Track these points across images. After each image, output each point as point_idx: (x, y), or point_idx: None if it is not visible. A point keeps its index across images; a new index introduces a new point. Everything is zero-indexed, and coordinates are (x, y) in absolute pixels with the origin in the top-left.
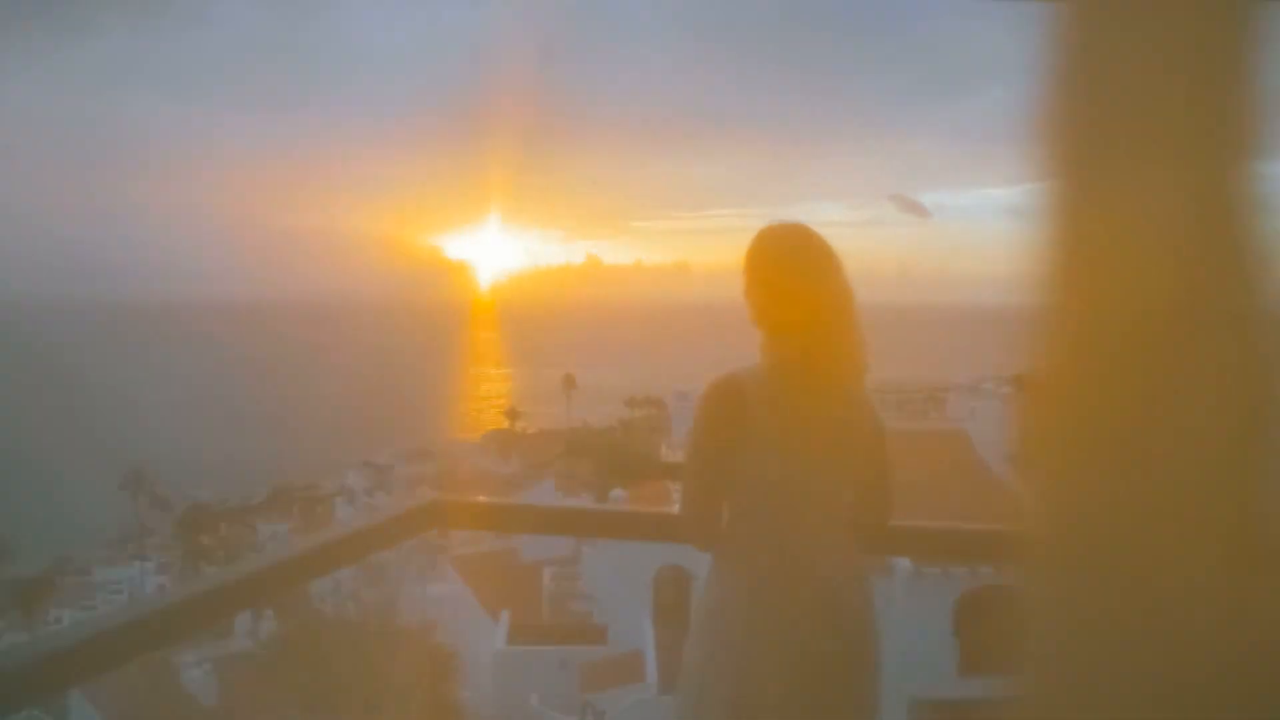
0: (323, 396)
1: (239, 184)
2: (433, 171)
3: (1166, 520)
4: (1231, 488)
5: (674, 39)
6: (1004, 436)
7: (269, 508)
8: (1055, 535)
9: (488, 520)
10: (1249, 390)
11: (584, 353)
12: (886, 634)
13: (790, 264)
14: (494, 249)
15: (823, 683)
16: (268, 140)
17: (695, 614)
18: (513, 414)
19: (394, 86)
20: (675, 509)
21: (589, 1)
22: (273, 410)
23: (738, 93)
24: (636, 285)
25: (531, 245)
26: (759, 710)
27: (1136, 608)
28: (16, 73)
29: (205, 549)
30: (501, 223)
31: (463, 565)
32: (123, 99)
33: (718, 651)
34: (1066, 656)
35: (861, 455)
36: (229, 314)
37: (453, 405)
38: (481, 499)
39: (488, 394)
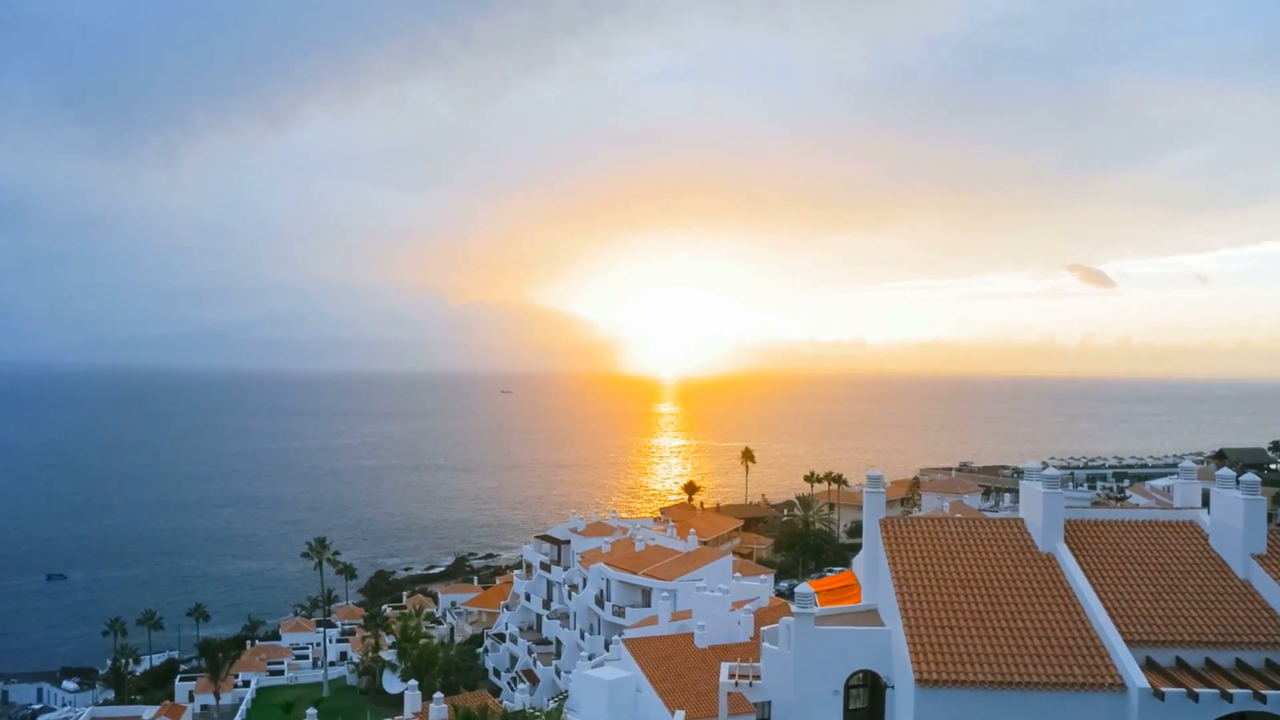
0: (505, 468)
1: (428, 261)
2: (612, 248)
3: None
4: None
5: (849, 113)
6: (1245, 529)
7: (450, 577)
8: None
9: None
10: None
11: (762, 426)
12: None
13: None
14: (674, 324)
15: None
16: (456, 219)
17: None
18: (690, 488)
19: (572, 169)
20: None
21: (762, 79)
22: (457, 481)
23: (913, 164)
24: (814, 359)
25: (711, 320)
26: None
27: None
28: (231, 160)
29: (385, 619)
30: (681, 298)
31: (637, 649)
32: (322, 183)
33: None
34: None
35: None
36: (412, 386)
37: (631, 478)
38: None
39: (666, 467)
